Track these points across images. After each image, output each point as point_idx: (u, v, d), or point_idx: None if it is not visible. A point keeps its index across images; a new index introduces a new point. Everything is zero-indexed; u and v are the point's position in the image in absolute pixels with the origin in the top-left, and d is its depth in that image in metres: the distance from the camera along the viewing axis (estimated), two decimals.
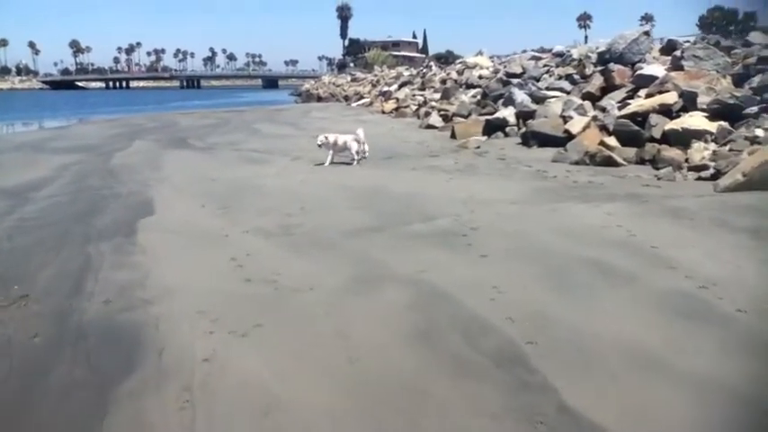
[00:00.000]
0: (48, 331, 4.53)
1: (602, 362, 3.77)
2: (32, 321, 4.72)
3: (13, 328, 4.61)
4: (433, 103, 24.81)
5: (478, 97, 21.98)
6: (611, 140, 11.82)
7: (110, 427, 3.32)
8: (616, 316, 4.42)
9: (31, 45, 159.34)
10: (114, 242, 6.99)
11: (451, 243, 6.47)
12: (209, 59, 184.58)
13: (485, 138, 15.76)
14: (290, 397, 3.53)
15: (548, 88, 18.13)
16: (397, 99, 30.86)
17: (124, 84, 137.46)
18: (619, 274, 5.26)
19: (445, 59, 64.09)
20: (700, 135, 10.38)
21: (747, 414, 3.38)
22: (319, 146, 12.58)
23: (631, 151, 11.27)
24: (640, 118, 12.00)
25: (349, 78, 61.83)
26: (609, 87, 15.66)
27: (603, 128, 12.58)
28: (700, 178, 9.22)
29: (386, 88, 38.33)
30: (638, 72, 14.96)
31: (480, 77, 26.53)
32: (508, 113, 16.65)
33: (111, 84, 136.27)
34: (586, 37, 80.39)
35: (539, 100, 16.82)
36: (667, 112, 11.82)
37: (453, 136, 16.60)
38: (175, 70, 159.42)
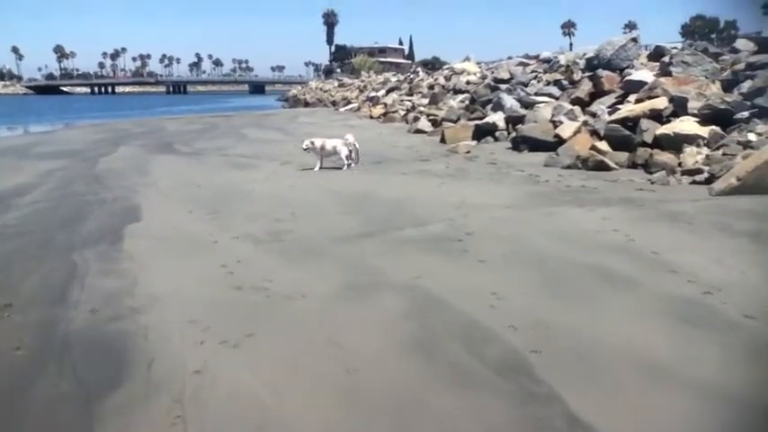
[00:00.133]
0: (31, 343, 4.33)
1: (608, 371, 3.65)
2: (15, 333, 4.50)
3: None
4: (422, 109, 24.77)
5: (467, 102, 21.95)
6: (603, 145, 11.77)
7: None
8: (620, 323, 4.30)
9: (15, 50, 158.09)
10: (100, 249, 6.79)
11: (446, 248, 6.34)
12: (195, 65, 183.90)
13: (475, 142, 15.70)
14: (285, 410, 3.38)
15: (536, 94, 18.13)
16: (385, 104, 30.78)
17: (110, 89, 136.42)
18: (620, 279, 5.15)
19: (432, 65, 64.17)
20: (692, 140, 10.35)
21: (757, 424, 3.27)
22: (305, 150, 12.40)
23: (623, 155, 11.22)
24: (631, 123, 11.98)
25: (336, 84, 61.72)
26: (598, 93, 15.68)
27: (594, 132, 12.55)
28: (694, 182, 9.17)
29: (373, 93, 38.27)
30: (627, 78, 14.99)
31: (468, 83, 26.51)
32: (498, 118, 16.62)
33: (96, 89, 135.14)
34: (571, 44, 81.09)
35: (528, 105, 16.81)
36: (658, 117, 11.81)
37: (443, 140, 16.52)
38: (161, 75, 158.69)
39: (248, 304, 4.90)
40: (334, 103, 46.13)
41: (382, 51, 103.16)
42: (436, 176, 11.02)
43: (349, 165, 12.30)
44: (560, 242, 6.37)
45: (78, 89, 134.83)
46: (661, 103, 12.14)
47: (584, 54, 19.43)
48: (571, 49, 37.54)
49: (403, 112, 26.57)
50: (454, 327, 4.33)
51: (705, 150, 10.01)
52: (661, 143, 10.88)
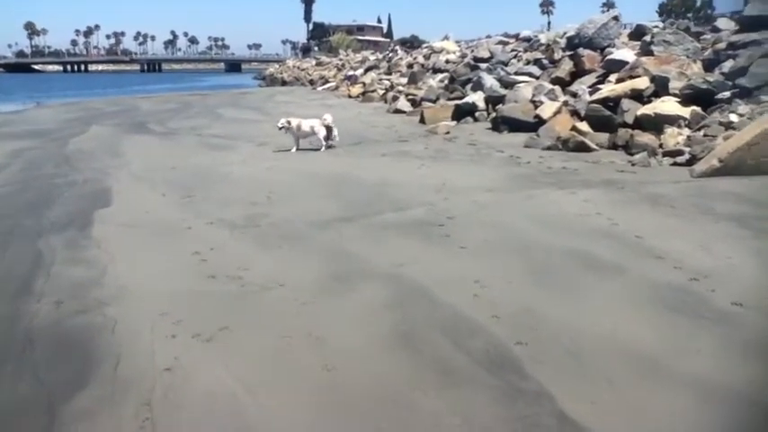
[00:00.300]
0: None
1: (596, 364, 3.52)
2: None
3: None
4: (401, 88, 24.50)
5: (446, 82, 21.72)
6: (583, 126, 11.66)
7: None
8: (606, 312, 4.18)
9: None
10: (68, 236, 6.51)
11: (428, 234, 6.18)
12: (171, 43, 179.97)
13: (454, 123, 15.53)
14: (262, 411, 3.20)
15: (516, 73, 17.95)
16: (364, 83, 30.42)
17: (83, 67, 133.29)
18: (605, 266, 5.04)
19: (410, 44, 63.53)
20: (673, 120, 10.28)
21: (750, 416, 3.17)
22: (280, 129, 12.08)
23: (604, 136, 11.12)
24: (612, 103, 11.88)
25: (314, 62, 60.93)
26: (579, 72, 15.54)
27: (575, 113, 12.43)
28: (675, 164, 9.10)
29: (351, 72, 37.81)
30: (609, 57, 14.86)
31: (447, 62, 26.25)
32: (477, 98, 16.43)
33: (68, 67, 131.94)
34: (549, 22, 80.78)
35: (508, 85, 16.62)
36: (639, 97, 11.72)
37: (422, 121, 16.30)
38: (135, 53, 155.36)
39: (222, 294, 4.69)
40: (311, 82, 45.54)
41: (360, 29, 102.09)
42: (416, 158, 10.83)
43: (329, 147, 12.02)
44: (543, 227, 6.24)
45: (50, 67, 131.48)
46: (642, 82, 12.04)
47: (565, 33, 19.25)
48: (549, 28, 37.39)
49: (382, 92, 26.25)
50: (438, 318, 4.18)
51: (686, 131, 9.95)
52: (642, 124, 10.80)
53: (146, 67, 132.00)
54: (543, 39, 21.16)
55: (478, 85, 17.41)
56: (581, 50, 16.10)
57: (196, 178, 9.50)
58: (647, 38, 14.51)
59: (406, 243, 5.89)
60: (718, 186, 7.61)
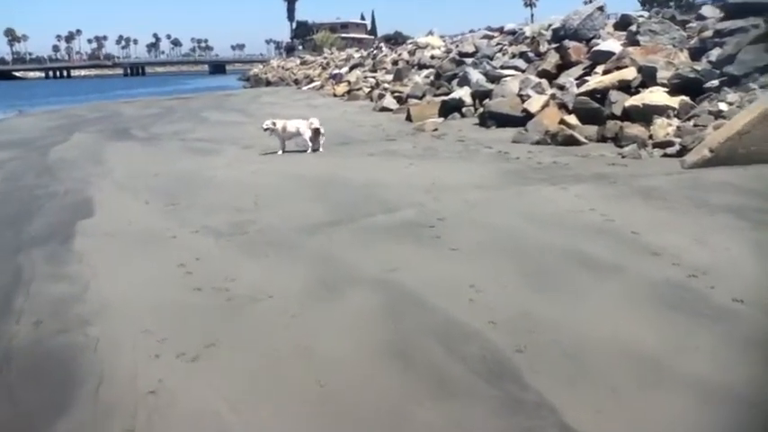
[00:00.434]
0: None
1: (598, 371, 3.39)
2: None
3: None
4: (386, 85, 24.32)
5: (432, 78, 21.59)
6: (572, 119, 11.56)
7: None
8: (606, 314, 4.06)
9: None
10: (49, 249, 6.31)
11: (418, 236, 6.04)
12: (153, 46, 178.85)
13: (441, 119, 15.38)
14: None
15: (502, 67, 17.85)
16: (349, 82, 30.21)
17: (65, 73, 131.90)
18: (601, 264, 4.91)
19: (395, 40, 63.30)
20: (662, 111, 10.18)
21: (752, 417, 3.06)
22: (265, 130, 11.89)
23: (593, 129, 11.03)
24: (599, 95, 11.78)
25: (298, 62, 60.57)
26: (565, 64, 15.45)
27: (563, 106, 12.32)
28: (666, 155, 9.00)
29: (336, 71, 37.59)
30: (595, 48, 14.77)
31: (433, 57, 26.15)
32: (464, 93, 16.29)
33: (51, 73, 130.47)
34: (532, 15, 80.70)
35: (494, 79, 16.50)
36: (627, 88, 11.63)
37: (409, 118, 16.17)
38: (118, 57, 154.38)
39: (209, 308, 4.52)
40: (296, 82, 45.28)
41: (344, 27, 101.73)
42: (404, 157, 10.69)
43: (315, 149, 11.79)
44: (536, 225, 6.11)
45: (32, 74, 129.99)
46: (629, 73, 11.96)
47: (550, 25, 19.13)
48: (533, 21, 37.32)
49: (367, 90, 26.07)
50: (432, 325, 4.04)
51: (676, 121, 9.86)
52: (630, 115, 10.70)
53: (129, 71, 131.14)
54: (528, 31, 21.02)
55: (465, 81, 17.28)
56: (567, 42, 16.00)
57: (180, 184, 9.31)
58: (633, 28, 14.45)
59: (397, 246, 5.75)
60: (710, 177, 7.52)
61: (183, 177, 9.89)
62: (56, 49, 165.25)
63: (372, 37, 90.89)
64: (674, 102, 10.28)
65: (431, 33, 34.76)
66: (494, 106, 13.94)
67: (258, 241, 6.19)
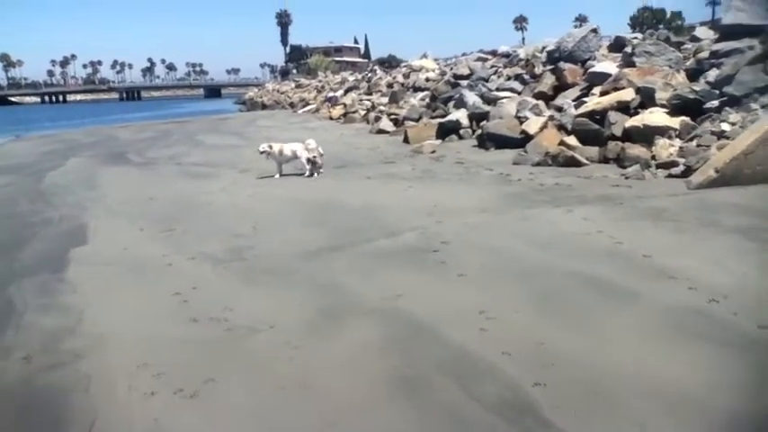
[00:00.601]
0: None
1: (623, 407, 3.19)
2: None
3: None
4: (382, 108, 24.29)
5: (428, 100, 21.55)
6: (571, 140, 11.46)
7: None
8: (626, 345, 3.86)
9: None
10: (41, 279, 6.10)
11: (422, 261, 5.85)
12: (149, 70, 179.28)
13: (439, 141, 15.29)
14: None
15: (498, 89, 17.77)
16: (345, 104, 30.17)
17: (61, 98, 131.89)
18: (615, 289, 4.73)
19: (388, 63, 63.63)
20: (663, 131, 10.08)
21: None
22: (261, 153, 11.75)
23: (593, 150, 10.92)
24: (598, 116, 11.69)
25: (293, 85, 60.71)
26: (562, 86, 15.41)
27: (562, 127, 12.24)
28: (670, 175, 8.87)
29: (331, 93, 37.61)
30: (591, 70, 14.73)
31: (427, 80, 26.12)
32: (461, 115, 16.22)
33: (46, 98, 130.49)
34: (524, 38, 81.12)
35: (490, 101, 16.43)
36: (625, 109, 11.54)
37: (406, 140, 16.07)
38: (113, 82, 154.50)
39: (206, 341, 4.32)
40: (292, 105, 45.25)
41: (338, 50, 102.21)
42: (403, 179, 10.54)
43: (311, 175, 11.59)
44: (544, 249, 5.94)
45: (28, 99, 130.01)
46: (627, 94, 11.88)
47: (545, 47, 19.15)
48: (524, 43, 37.48)
49: (363, 112, 26.02)
50: (443, 358, 3.83)
51: (678, 142, 9.75)
52: (631, 136, 10.61)
53: (125, 96, 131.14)
54: (522, 54, 21.05)
55: (461, 103, 17.22)
56: (562, 64, 15.98)
57: (176, 209, 9.12)
58: (629, 49, 14.41)
59: (401, 273, 5.56)
60: (717, 197, 7.38)
61: (178, 202, 9.71)
62: (51, 73, 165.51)
63: (366, 60, 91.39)
64: (675, 122, 10.19)
65: (425, 56, 34.82)
66: (492, 128, 13.85)
67: (256, 268, 6.00)
